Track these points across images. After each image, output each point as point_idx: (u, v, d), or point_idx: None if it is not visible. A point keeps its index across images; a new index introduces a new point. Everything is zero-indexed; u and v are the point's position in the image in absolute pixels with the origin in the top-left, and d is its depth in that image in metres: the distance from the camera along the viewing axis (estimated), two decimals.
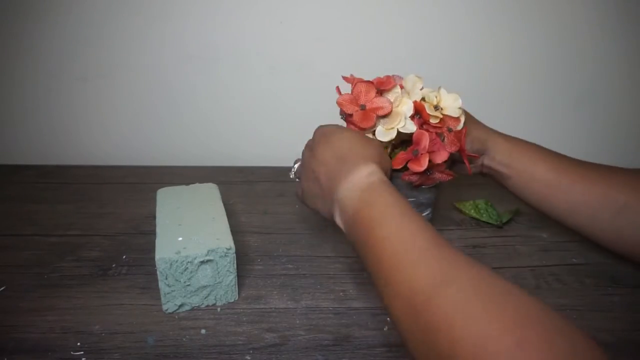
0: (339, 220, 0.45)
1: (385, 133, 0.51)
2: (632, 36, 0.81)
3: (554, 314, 0.30)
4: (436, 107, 0.53)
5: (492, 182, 0.60)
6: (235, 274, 0.53)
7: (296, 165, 0.56)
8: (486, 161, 0.57)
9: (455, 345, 0.30)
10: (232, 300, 0.54)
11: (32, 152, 0.85)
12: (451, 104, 0.53)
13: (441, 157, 0.51)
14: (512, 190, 0.57)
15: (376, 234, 0.39)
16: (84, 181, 0.78)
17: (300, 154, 0.54)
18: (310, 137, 0.53)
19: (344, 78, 0.55)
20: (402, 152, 0.52)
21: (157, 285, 0.50)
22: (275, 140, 0.85)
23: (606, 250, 0.54)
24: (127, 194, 0.75)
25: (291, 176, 0.57)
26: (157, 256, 0.49)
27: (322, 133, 0.50)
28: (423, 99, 0.53)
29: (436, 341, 0.31)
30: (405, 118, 0.51)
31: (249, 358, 0.47)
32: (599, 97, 0.85)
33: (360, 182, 0.44)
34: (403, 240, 0.38)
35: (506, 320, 0.29)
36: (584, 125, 0.88)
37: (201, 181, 0.64)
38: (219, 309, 0.53)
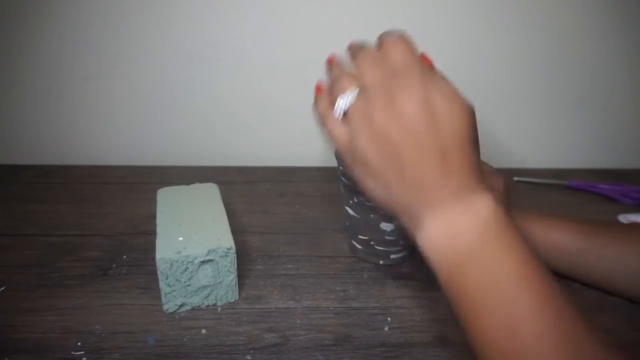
0: (426, 240, 0.34)
1: None
2: (632, 36, 0.81)
3: None
4: None
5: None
6: (236, 274, 0.53)
7: (347, 98, 0.36)
8: None
9: None
10: (233, 300, 0.54)
11: (32, 152, 0.85)
12: None
13: None
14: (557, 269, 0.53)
15: (499, 300, 0.31)
16: (84, 181, 0.78)
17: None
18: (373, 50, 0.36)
19: None
20: None
21: (158, 285, 0.50)
22: (276, 140, 0.85)
23: None
24: (127, 194, 0.75)
25: (337, 113, 0.37)
26: (158, 256, 0.49)
27: (428, 103, 0.33)
28: None
29: None
30: None
31: (249, 358, 0.47)
32: (599, 97, 0.85)
33: (483, 215, 0.32)
34: (531, 300, 0.31)
35: None
36: (584, 125, 0.88)
37: (201, 181, 0.64)
38: (219, 309, 0.53)
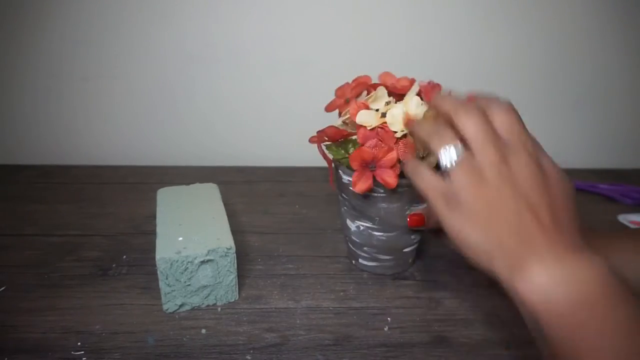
0: (529, 288, 0.34)
1: None
2: (632, 36, 0.81)
3: None
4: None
5: None
6: (236, 273, 0.53)
7: (454, 150, 0.37)
8: None
9: None
10: (233, 300, 0.54)
11: (32, 152, 0.85)
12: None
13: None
14: None
15: (607, 339, 0.32)
16: (85, 181, 0.78)
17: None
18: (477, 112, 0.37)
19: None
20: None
21: (158, 285, 0.50)
22: (276, 140, 0.85)
23: None
24: (128, 194, 0.75)
25: (446, 164, 0.37)
26: (158, 256, 0.49)
27: (537, 161, 0.36)
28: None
29: None
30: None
31: (249, 358, 0.47)
32: (598, 97, 0.85)
33: (599, 267, 0.33)
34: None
35: None
36: (583, 125, 0.88)
37: (201, 181, 0.64)
38: (219, 309, 0.53)
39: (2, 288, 0.55)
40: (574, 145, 0.89)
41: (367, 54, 0.80)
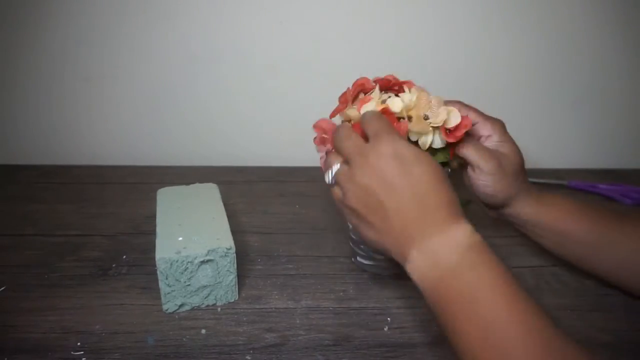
0: (414, 268, 0.39)
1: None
2: (631, 36, 0.81)
3: None
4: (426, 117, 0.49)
5: None
6: (236, 274, 0.53)
7: (334, 168, 0.44)
8: (511, 212, 0.53)
9: None
10: (232, 300, 0.54)
11: (32, 152, 0.85)
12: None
13: None
14: (546, 249, 0.54)
15: (480, 304, 0.35)
16: (85, 181, 0.78)
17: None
18: (349, 126, 0.44)
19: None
20: None
21: (157, 285, 0.50)
22: (276, 140, 0.85)
23: None
24: (128, 194, 0.75)
25: (327, 180, 0.46)
26: (158, 256, 0.49)
27: (395, 153, 0.40)
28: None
29: None
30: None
31: (249, 358, 0.47)
32: (598, 97, 0.85)
33: (461, 241, 0.38)
34: (510, 314, 0.35)
35: None
36: (583, 125, 0.88)
37: (201, 181, 0.64)
38: (219, 309, 0.53)
39: (2, 288, 0.55)
40: (573, 145, 0.89)
41: (368, 54, 0.80)
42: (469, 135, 0.51)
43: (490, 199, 0.52)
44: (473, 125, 0.52)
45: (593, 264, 0.52)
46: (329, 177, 0.45)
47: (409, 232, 0.39)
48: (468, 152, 0.50)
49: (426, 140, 0.49)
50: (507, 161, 0.51)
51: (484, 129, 0.52)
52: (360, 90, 0.53)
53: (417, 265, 0.39)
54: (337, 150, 0.44)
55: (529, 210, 0.52)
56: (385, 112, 0.49)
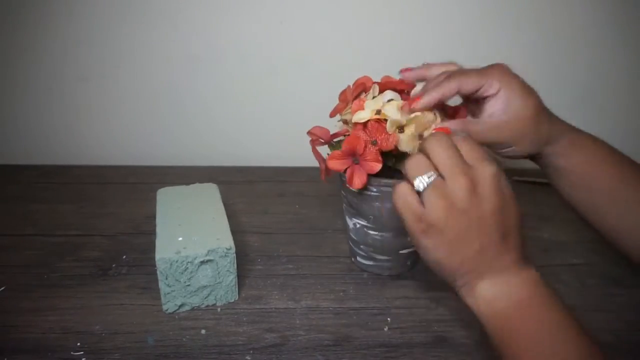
0: (481, 297, 0.39)
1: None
2: (630, 37, 0.81)
3: None
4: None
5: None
6: (236, 274, 0.53)
7: (428, 176, 0.40)
8: (535, 137, 0.51)
9: None
10: (232, 300, 0.54)
11: (32, 152, 0.85)
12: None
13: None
14: (562, 190, 0.53)
15: (539, 339, 0.37)
16: (85, 181, 0.78)
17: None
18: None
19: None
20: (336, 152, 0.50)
21: (157, 285, 0.50)
22: (276, 140, 0.85)
23: (606, 249, 0.53)
24: (128, 194, 0.75)
25: (419, 187, 0.40)
26: (158, 256, 0.49)
27: (501, 188, 0.39)
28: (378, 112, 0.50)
29: None
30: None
31: (249, 358, 0.47)
32: (597, 97, 0.85)
33: (532, 280, 0.40)
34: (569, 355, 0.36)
35: None
36: (582, 125, 0.87)
37: (201, 181, 0.64)
38: (219, 309, 0.53)
39: (2, 288, 0.55)
40: None
41: (368, 54, 0.80)
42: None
43: (523, 156, 0.52)
44: (477, 92, 0.50)
45: (606, 216, 0.50)
46: (423, 184, 0.40)
47: (489, 263, 0.39)
48: (466, 82, 0.49)
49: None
50: (523, 111, 0.51)
51: (490, 88, 0.50)
52: (361, 89, 0.53)
53: (488, 295, 0.39)
54: (434, 158, 0.40)
55: (560, 152, 0.52)
56: (377, 120, 0.49)
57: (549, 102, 0.85)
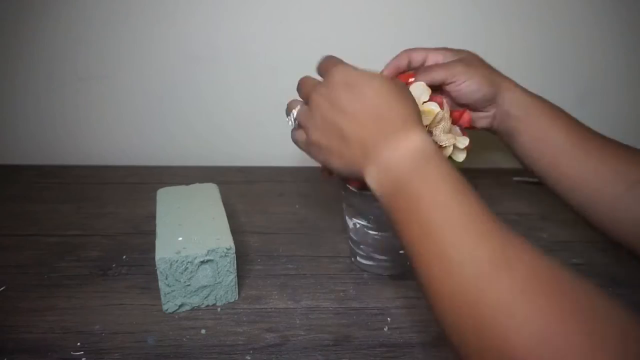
0: (372, 182, 0.40)
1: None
2: (631, 36, 0.81)
3: (621, 309, 0.28)
4: None
5: (488, 183, 0.60)
6: (235, 274, 0.53)
7: (295, 111, 0.48)
8: (498, 110, 0.54)
9: (514, 337, 0.28)
10: (232, 300, 0.54)
11: (32, 152, 0.85)
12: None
13: None
14: (519, 151, 0.54)
15: (429, 208, 0.35)
16: (84, 181, 0.78)
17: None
18: (310, 76, 0.48)
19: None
20: None
21: (157, 285, 0.50)
22: (276, 140, 0.85)
23: (606, 249, 0.54)
24: (127, 194, 0.75)
25: (290, 124, 0.49)
26: (157, 256, 0.49)
27: (345, 81, 0.42)
28: None
29: (492, 330, 0.29)
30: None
31: (249, 358, 0.47)
32: (597, 97, 0.85)
33: (412, 150, 0.38)
34: (460, 218, 0.34)
35: (576, 314, 0.28)
36: (587, 121, 0.88)
37: (201, 181, 0.64)
38: (219, 309, 0.53)
39: (2, 288, 0.55)
40: None
41: (368, 54, 0.80)
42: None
43: (478, 93, 0.53)
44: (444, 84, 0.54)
45: (560, 173, 0.52)
46: (291, 120, 0.48)
47: (367, 149, 0.41)
48: (435, 75, 0.54)
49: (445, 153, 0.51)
50: (469, 59, 0.56)
51: (454, 82, 0.54)
52: None
53: (374, 178, 0.40)
54: (299, 94, 0.48)
55: (519, 105, 0.54)
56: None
57: (556, 99, 0.85)
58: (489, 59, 0.82)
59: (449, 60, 0.57)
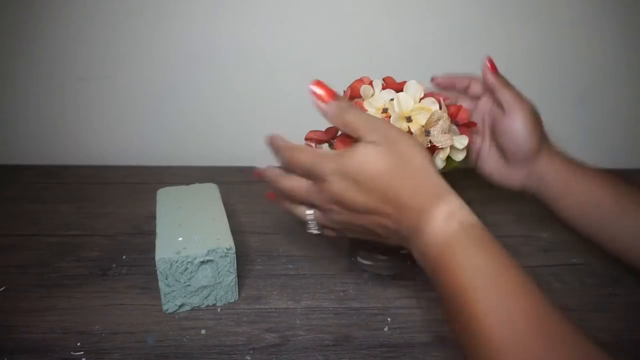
0: (416, 256, 0.41)
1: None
2: (631, 36, 0.81)
3: None
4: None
5: (488, 182, 0.59)
6: (236, 274, 0.53)
7: (309, 220, 0.47)
8: (534, 172, 0.54)
9: None
10: (232, 301, 0.54)
11: (32, 152, 0.85)
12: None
13: None
14: (561, 214, 0.54)
15: (468, 286, 0.35)
16: (84, 181, 0.78)
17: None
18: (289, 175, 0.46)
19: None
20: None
21: (157, 285, 0.50)
22: None
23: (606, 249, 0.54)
24: (127, 194, 0.75)
25: (314, 232, 0.48)
26: (157, 256, 0.49)
27: (345, 177, 0.40)
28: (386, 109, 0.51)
29: None
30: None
31: (249, 358, 0.47)
32: (598, 97, 0.85)
33: (438, 234, 0.37)
34: (499, 293, 0.34)
35: None
36: (583, 125, 0.88)
37: (201, 181, 0.64)
38: (219, 309, 0.53)
39: (2, 288, 0.55)
40: (573, 145, 0.89)
41: (368, 54, 0.80)
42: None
43: (524, 145, 0.53)
44: (501, 107, 0.54)
45: (611, 233, 0.51)
46: (312, 229, 0.47)
47: (401, 238, 0.41)
48: (505, 95, 0.53)
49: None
50: (532, 108, 0.54)
51: (510, 115, 0.54)
52: (355, 94, 0.53)
53: (415, 256, 0.41)
54: (299, 200, 0.46)
55: (554, 166, 0.53)
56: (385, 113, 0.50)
57: (551, 103, 0.85)
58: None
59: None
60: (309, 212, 0.45)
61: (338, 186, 0.41)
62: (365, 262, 0.59)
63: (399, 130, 0.43)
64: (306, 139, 0.54)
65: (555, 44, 0.81)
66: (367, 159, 0.40)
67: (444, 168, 0.51)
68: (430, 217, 0.38)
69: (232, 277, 0.53)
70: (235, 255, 0.52)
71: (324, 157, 0.42)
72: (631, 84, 0.85)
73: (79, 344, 0.48)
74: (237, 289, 0.54)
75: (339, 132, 0.50)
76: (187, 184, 0.63)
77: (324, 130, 0.53)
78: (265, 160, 0.84)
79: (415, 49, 0.80)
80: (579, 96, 0.85)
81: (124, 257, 0.60)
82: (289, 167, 0.46)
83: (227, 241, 0.52)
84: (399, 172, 0.40)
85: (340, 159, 0.41)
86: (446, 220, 0.37)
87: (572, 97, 0.85)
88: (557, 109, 0.87)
